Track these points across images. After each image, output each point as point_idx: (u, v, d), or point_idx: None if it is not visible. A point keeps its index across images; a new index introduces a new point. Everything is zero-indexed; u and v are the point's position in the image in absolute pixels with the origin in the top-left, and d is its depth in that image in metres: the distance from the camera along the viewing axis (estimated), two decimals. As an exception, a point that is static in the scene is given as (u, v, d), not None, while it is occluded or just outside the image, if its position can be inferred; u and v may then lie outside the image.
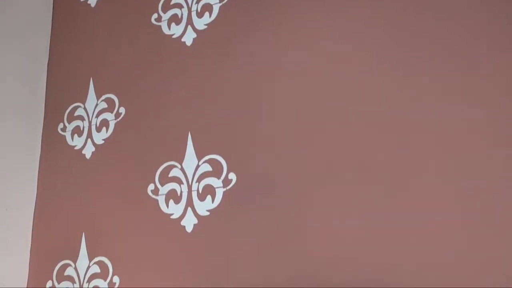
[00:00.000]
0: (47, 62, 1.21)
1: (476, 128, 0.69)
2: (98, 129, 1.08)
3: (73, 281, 1.00)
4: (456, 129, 0.70)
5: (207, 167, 0.91)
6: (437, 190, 0.70)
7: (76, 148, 1.10)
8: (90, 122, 1.10)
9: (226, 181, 0.89)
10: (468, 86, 0.71)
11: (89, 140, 1.09)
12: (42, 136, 1.16)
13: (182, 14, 1.02)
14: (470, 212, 0.67)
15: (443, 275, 0.66)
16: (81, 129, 1.11)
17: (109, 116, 1.08)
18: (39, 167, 1.14)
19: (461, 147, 0.69)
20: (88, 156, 1.08)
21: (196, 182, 0.92)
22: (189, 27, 1.01)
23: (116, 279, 0.95)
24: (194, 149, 0.94)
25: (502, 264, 0.63)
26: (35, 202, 1.12)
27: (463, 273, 0.65)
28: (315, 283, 0.76)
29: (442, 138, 0.71)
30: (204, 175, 0.91)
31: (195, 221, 0.90)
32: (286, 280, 0.79)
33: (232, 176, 0.88)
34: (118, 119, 1.06)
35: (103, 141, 1.07)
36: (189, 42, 1.01)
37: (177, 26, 1.02)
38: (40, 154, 1.15)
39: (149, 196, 0.97)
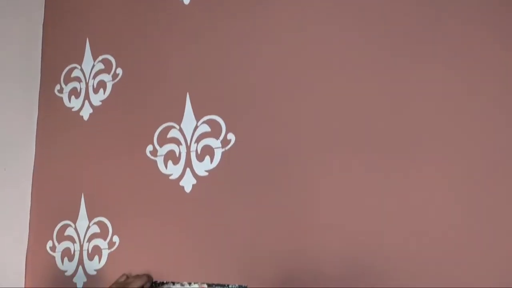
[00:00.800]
0: (42, 23, 1.18)
1: (479, 96, 0.68)
2: (95, 91, 1.07)
3: (73, 241, 1.01)
4: (460, 97, 0.69)
5: (205, 128, 0.91)
6: (438, 158, 0.70)
7: (73, 109, 1.09)
8: (87, 84, 1.08)
9: (225, 142, 0.88)
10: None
11: (86, 101, 1.08)
12: (39, 98, 1.15)
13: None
14: (471, 180, 0.67)
15: (444, 248, 0.67)
16: (78, 90, 1.09)
17: (106, 77, 1.06)
18: (36, 129, 1.13)
19: (465, 115, 0.68)
20: (85, 117, 1.07)
21: (194, 142, 0.91)
22: (187, -14, 0.98)
23: (116, 239, 0.96)
24: (193, 110, 0.93)
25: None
26: (34, 164, 1.12)
27: (464, 246, 0.66)
28: (311, 247, 0.77)
29: (443, 105, 0.70)
30: (203, 135, 0.91)
31: (194, 181, 0.90)
32: (282, 240, 0.79)
33: (231, 136, 0.88)
34: (115, 80, 1.05)
35: (100, 103, 1.06)
36: (187, 1, 0.99)
37: (175, -15, 1.00)
38: (38, 116, 1.14)
39: (148, 157, 0.96)
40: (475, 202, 0.67)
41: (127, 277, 0.88)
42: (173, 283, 0.87)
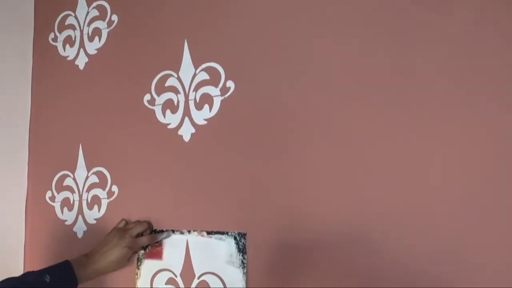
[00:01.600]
0: (33, -31, 1.14)
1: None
2: (91, 39, 1.04)
3: (72, 191, 1.01)
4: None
5: (204, 76, 0.88)
6: (439, 131, 0.67)
7: (68, 58, 1.06)
8: (81, 31, 1.05)
9: (224, 90, 0.86)
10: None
11: (81, 50, 1.04)
12: (33, 47, 1.12)
13: None
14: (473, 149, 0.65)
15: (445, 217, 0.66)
16: (73, 38, 1.06)
17: (101, 24, 1.03)
18: (32, 79, 1.11)
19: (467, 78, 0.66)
20: (81, 66, 1.04)
21: (193, 91, 0.89)
22: None
23: (115, 188, 0.96)
24: (191, 57, 0.90)
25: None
26: (30, 115, 1.10)
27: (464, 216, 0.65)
28: (309, 197, 0.76)
29: (447, 70, 0.67)
30: (201, 83, 0.89)
31: (193, 130, 0.88)
32: (282, 188, 0.79)
33: (230, 84, 0.86)
34: (110, 28, 1.01)
35: (96, 51, 1.03)
36: None
37: None
38: (32, 66, 1.11)
39: (146, 106, 0.94)
40: (477, 167, 0.65)
41: (126, 222, 0.88)
42: (173, 231, 0.88)
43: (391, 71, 0.71)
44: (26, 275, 0.73)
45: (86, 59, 1.03)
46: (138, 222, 0.88)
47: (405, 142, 0.69)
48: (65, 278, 0.76)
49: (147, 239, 0.86)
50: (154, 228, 0.90)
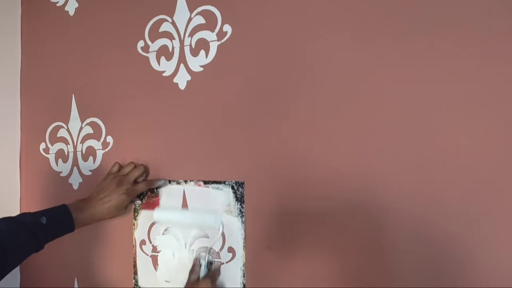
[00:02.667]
0: None
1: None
2: (80, -18, 0.98)
3: (66, 143, 0.98)
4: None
5: (200, 20, 0.84)
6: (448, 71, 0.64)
7: (58, 4, 1.02)
8: (70, -25, 0.99)
9: (221, 34, 0.82)
10: None
11: (71, -5, 0.99)
12: (21, -7, 1.07)
13: None
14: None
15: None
16: (62, -17, 1.01)
17: (91, -33, 0.97)
18: (21, 26, 1.06)
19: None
20: (71, 12, 1.00)
21: (188, 36, 0.85)
22: None
23: (109, 139, 0.93)
24: (186, 1, 0.86)
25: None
26: (21, 65, 1.06)
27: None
28: (309, 149, 0.74)
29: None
30: (197, 28, 0.84)
31: (188, 77, 0.85)
32: (280, 136, 0.76)
33: (227, 28, 0.81)
34: (101, -30, 0.96)
35: (86, -4, 0.97)
36: None
37: None
38: (21, 14, 1.07)
39: (139, 53, 0.90)
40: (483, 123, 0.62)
41: (120, 165, 0.87)
42: (169, 181, 0.86)
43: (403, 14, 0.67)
44: (22, 215, 0.71)
45: (76, 5, 0.99)
46: (134, 165, 0.86)
47: (415, 99, 0.66)
48: (62, 221, 0.74)
49: (144, 185, 0.84)
50: (150, 179, 0.89)
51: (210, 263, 0.78)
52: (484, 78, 0.61)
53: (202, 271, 0.77)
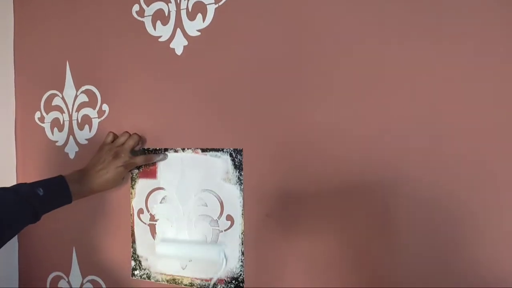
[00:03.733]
0: None
1: None
2: None
3: (61, 111, 0.96)
4: None
5: (196, -19, 0.81)
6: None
7: (50, -32, 0.98)
8: None
9: (218, -4, 0.79)
10: None
11: (63, -42, 0.95)
12: (11, -43, 1.03)
13: None
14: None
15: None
16: None
17: None
18: (12, -8, 1.03)
19: None
20: (63, -24, 0.96)
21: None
22: None
23: (105, 107, 0.91)
24: (181, -39, 0.82)
25: None
26: (14, 33, 1.03)
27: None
28: (309, 115, 0.72)
29: None
30: (194, -10, 0.81)
31: (185, 42, 0.82)
32: (280, 103, 0.74)
33: (225, -10, 0.78)
34: None
35: (78, -42, 0.94)
36: None
37: None
38: (11, -23, 1.03)
39: (134, 18, 0.87)
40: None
41: (114, 135, 0.85)
42: (166, 150, 0.84)
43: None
44: (18, 186, 0.70)
45: (69, -32, 0.95)
46: (128, 134, 0.85)
47: (427, 67, 0.64)
48: (59, 193, 0.73)
49: (143, 159, 0.83)
50: (147, 147, 0.87)
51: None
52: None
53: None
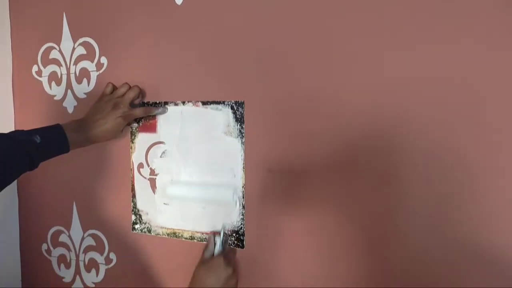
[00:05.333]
0: None
1: None
2: None
3: (59, 64, 0.94)
4: None
5: None
6: None
7: None
8: None
9: None
10: None
11: None
12: None
13: None
14: None
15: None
16: None
17: None
18: None
19: None
20: None
21: None
22: None
23: (104, 60, 0.89)
24: None
25: None
26: (7, -18, 1.00)
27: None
28: (311, 70, 0.70)
29: None
30: None
31: (186, -9, 0.79)
32: (282, 54, 0.72)
33: None
34: None
35: None
36: None
37: None
38: None
39: (133, -34, 0.84)
40: None
41: (114, 86, 0.83)
42: (166, 103, 0.83)
43: None
44: (15, 132, 0.69)
45: None
46: (128, 86, 0.83)
47: (432, 28, 0.61)
48: (56, 141, 0.72)
49: (142, 111, 0.81)
50: (147, 100, 0.85)
51: (225, 242, 0.74)
52: None
53: (217, 249, 0.72)
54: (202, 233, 0.81)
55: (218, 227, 0.78)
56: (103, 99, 0.80)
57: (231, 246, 0.77)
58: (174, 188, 0.82)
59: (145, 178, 0.86)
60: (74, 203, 0.95)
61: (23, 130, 0.69)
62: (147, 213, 0.87)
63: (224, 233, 0.73)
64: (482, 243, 0.61)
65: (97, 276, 0.93)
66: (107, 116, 0.77)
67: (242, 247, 0.78)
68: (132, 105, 0.82)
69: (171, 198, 0.83)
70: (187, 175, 0.82)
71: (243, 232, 0.78)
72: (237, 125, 0.77)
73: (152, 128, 0.85)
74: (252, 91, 0.75)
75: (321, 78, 0.69)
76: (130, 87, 0.82)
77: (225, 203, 0.78)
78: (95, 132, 0.76)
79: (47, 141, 0.69)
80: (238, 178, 0.77)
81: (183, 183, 0.81)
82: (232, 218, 0.78)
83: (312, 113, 0.70)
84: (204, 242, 0.81)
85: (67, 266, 0.97)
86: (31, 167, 0.69)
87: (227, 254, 0.73)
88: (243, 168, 0.76)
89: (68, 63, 0.93)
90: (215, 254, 0.72)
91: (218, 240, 0.72)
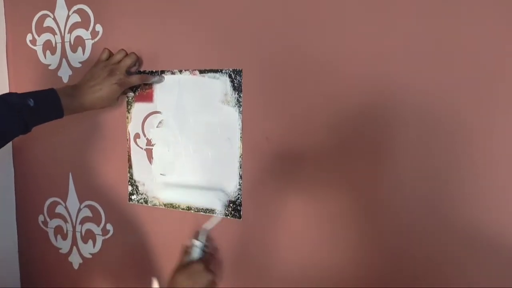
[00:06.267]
0: None
1: None
2: None
3: (53, 33, 0.92)
4: None
5: None
6: None
7: None
8: None
9: None
10: None
11: None
12: None
13: None
14: None
15: None
16: None
17: None
18: None
19: None
20: None
21: None
22: None
23: (99, 28, 0.87)
24: None
25: None
26: None
27: None
28: (306, 40, 0.67)
29: None
30: None
31: (183, -45, 0.77)
32: (281, 24, 0.70)
33: None
34: None
35: None
36: None
37: None
38: None
39: None
40: None
41: (110, 52, 0.81)
42: (163, 72, 0.81)
43: None
44: (8, 95, 0.67)
45: None
46: (125, 52, 0.81)
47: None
48: (50, 105, 0.71)
49: (138, 78, 0.79)
50: (143, 69, 0.84)
51: (205, 246, 0.69)
52: None
53: (196, 254, 0.68)
54: (199, 206, 0.81)
55: (216, 202, 0.78)
56: (99, 65, 0.79)
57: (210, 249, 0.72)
58: (166, 192, 0.83)
59: (142, 148, 0.85)
60: (70, 174, 0.94)
61: (16, 93, 0.68)
62: (143, 184, 0.86)
63: (205, 238, 0.69)
64: (482, 218, 0.60)
65: (94, 247, 0.93)
66: (102, 83, 0.75)
67: (239, 217, 0.77)
68: (129, 72, 0.80)
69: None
70: (184, 145, 0.81)
71: (240, 202, 0.77)
72: (234, 94, 0.75)
73: (148, 98, 0.84)
74: (251, 59, 0.73)
75: (320, 45, 0.68)
76: (127, 54, 0.81)
77: (222, 175, 0.77)
78: (89, 98, 0.74)
79: (40, 104, 0.68)
80: (235, 148, 0.76)
81: (174, 185, 0.83)
82: (228, 188, 0.77)
83: (311, 81, 0.69)
84: (201, 213, 0.80)
85: (64, 237, 0.97)
86: (24, 131, 0.68)
87: (207, 260, 0.69)
88: (241, 137, 0.75)
89: (62, 31, 0.91)
90: (194, 259, 0.68)
91: (199, 245, 0.68)
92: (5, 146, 0.94)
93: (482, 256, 0.61)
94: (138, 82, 0.80)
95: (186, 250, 0.68)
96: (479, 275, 0.61)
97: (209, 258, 0.69)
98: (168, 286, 0.64)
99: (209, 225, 0.69)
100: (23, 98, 0.67)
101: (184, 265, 0.66)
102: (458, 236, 0.62)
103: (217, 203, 0.76)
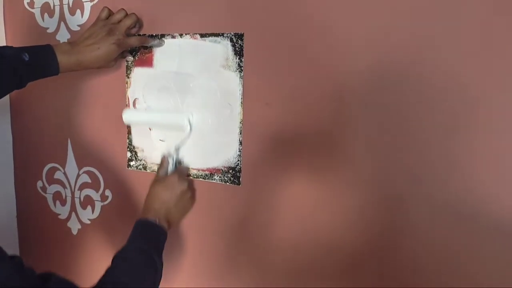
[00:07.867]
0: None
1: None
2: None
3: (51, -5, 0.90)
4: None
5: None
6: None
7: None
8: None
9: None
10: None
11: None
12: None
13: None
14: None
15: None
16: None
17: None
18: None
19: None
20: None
21: None
22: None
23: (98, -9, 0.85)
24: None
25: None
26: None
27: None
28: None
29: None
30: None
31: None
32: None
33: None
34: None
35: None
36: None
37: None
38: None
39: None
40: None
41: (110, 10, 0.79)
42: (163, 36, 0.80)
43: None
44: (3, 48, 0.66)
45: None
46: (125, 13, 0.79)
47: None
48: (45, 61, 0.69)
49: (137, 40, 0.78)
50: (143, 33, 0.82)
51: (178, 162, 0.79)
52: None
53: (170, 168, 0.77)
54: (199, 170, 0.80)
55: (215, 163, 0.77)
56: (98, 24, 0.77)
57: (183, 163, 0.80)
58: (128, 113, 0.83)
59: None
60: (68, 140, 0.94)
61: (11, 46, 0.67)
62: (142, 150, 0.86)
63: (177, 153, 0.79)
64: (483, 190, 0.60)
65: (92, 213, 0.93)
66: (100, 41, 0.73)
67: (238, 184, 0.77)
68: (128, 34, 0.78)
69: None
70: (184, 110, 0.80)
71: (240, 169, 0.77)
72: (236, 59, 0.74)
73: (148, 62, 0.82)
74: (253, 23, 0.72)
75: (325, 10, 0.66)
76: (127, 14, 0.79)
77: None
78: (87, 56, 0.73)
79: (35, 59, 0.67)
80: (235, 114, 0.75)
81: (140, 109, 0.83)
82: (228, 154, 0.77)
83: (313, 45, 0.68)
84: (200, 179, 0.80)
85: (63, 203, 0.97)
86: (19, 86, 0.67)
87: (181, 172, 0.77)
88: (241, 103, 0.75)
89: (60, -11, 0.89)
90: (168, 173, 0.76)
91: (171, 160, 0.77)
92: (3, 112, 0.93)
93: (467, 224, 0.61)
94: (137, 44, 0.78)
95: (161, 165, 0.77)
96: (463, 242, 0.61)
97: (182, 169, 0.79)
98: (147, 197, 0.73)
99: (180, 143, 0.78)
100: (18, 52, 0.66)
101: (160, 179, 0.74)
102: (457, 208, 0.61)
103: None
